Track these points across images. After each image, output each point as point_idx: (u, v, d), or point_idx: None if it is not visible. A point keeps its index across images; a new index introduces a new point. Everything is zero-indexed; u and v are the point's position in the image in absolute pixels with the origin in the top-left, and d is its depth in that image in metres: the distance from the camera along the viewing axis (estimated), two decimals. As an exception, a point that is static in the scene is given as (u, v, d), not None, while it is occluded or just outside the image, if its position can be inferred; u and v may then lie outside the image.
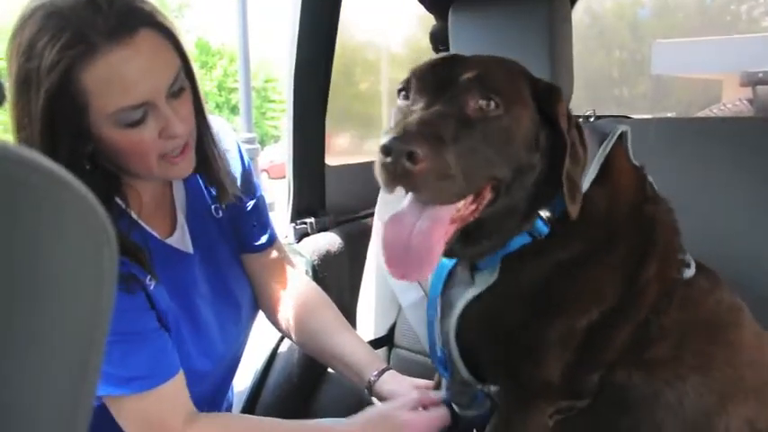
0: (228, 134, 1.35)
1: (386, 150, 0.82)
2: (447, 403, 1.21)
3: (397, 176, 0.83)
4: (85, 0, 0.96)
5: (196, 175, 1.27)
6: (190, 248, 1.27)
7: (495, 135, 0.92)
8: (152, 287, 1.14)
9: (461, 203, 0.92)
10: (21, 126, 0.99)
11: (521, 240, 1.02)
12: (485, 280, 1.05)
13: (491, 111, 0.92)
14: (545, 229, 1.01)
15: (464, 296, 1.07)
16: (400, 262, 0.91)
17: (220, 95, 21.75)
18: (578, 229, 1.00)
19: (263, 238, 1.41)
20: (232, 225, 1.37)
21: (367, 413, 1.22)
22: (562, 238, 1.01)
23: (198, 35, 21.92)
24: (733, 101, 5.18)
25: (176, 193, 1.28)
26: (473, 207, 0.94)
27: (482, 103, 0.92)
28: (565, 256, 1.01)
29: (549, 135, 0.98)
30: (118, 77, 0.97)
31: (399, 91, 1.00)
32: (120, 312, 1.01)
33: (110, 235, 0.47)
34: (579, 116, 1.76)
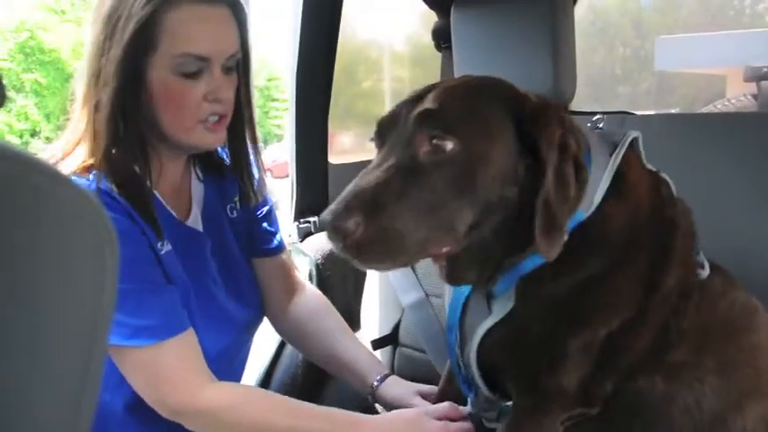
0: None
1: (323, 227, 0.83)
2: (473, 417, 1.20)
3: (338, 250, 0.84)
4: None
5: (217, 173, 1.34)
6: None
7: (454, 178, 0.86)
8: (163, 252, 1.16)
9: None
10: (94, 67, 1.09)
11: (534, 262, 0.97)
12: (502, 307, 1.02)
13: (445, 151, 0.86)
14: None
15: (482, 326, 1.04)
16: None
17: (223, 95, 21.82)
18: (596, 246, 0.97)
19: (273, 243, 1.43)
20: (245, 227, 1.39)
21: (394, 414, 1.22)
22: (579, 257, 0.96)
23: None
24: (737, 96, 5.15)
25: (194, 187, 1.31)
26: (447, 248, 0.92)
27: (435, 143, 0.86)
28: (583, 275, 0.97)
29: (531, 162, 0.91)
30: (194, 25, 1.08)
31: (372, 140, 0.97)
32: (133, 263, 1.06)
33: (111, 233, 0.47)
34: (586, 113, 1.75)
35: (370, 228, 0.81)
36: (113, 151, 1.10)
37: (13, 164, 0.41)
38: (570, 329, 0.99)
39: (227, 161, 1.35)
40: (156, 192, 1.19)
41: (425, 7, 2.12)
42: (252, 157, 1.32)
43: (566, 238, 0.91)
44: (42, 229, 0.43)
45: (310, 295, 1.49)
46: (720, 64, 12.55)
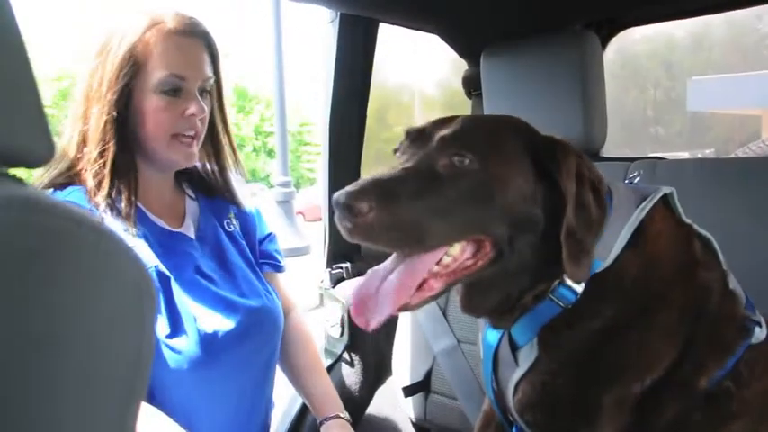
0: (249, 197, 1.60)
1: (334, 205, 0.89)
2: None
3: (346, 229, 0.89)
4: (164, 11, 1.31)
5: (206, 193, 1.49)
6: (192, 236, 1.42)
7: (471, 190, 0.94)
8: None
9: (449, 259, 0.95)
10: (90, 92, 1.26)
11: (550, 311, 1.00)
12: (527, 358, 1.04)
13: (463, 166, 0.94)
14: (571, 297, 0.99)
15: (512, 378, 1.06)
16: (363, 310, 0.94)
17: (257, 139, 22.13)
18: (609, 294, 0.99)
19: (270, 263, 1.56)
20: (245, 240, 1.51)
21: None
22: (592, 305, 0.99)
23: (236, 82, 22.45)
24: (773, 138, 5.09)
25: (188, 205, 1.46)
26: (470, 263, 0.97)
27: (454, 159, 0.94)
28: (598, 324, 0.99)
29: (549, 191, 0.97)
30: (175, 52, 1.27)
31: (395, 151, 1.05)
32: None
33: (150, 286, 0.48)
34: (617, 159, 1.74)
35: (382, 212, 0.87)
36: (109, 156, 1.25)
37: (61, 218, 0.43)
38: (601, 384, 0.98)
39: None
40: (140, 204, 1.32)
41: (456, 54, 2.15)
42: (231, 169, 1.49)
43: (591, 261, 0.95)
44: (86, 281, 0.44)
45: (293, 324, 1.59)
46: (754, 104, 12.41)
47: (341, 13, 1.81)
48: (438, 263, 0.95)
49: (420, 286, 0.95)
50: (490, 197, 0.94)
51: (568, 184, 0.95)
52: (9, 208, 0.40)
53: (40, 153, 0.47)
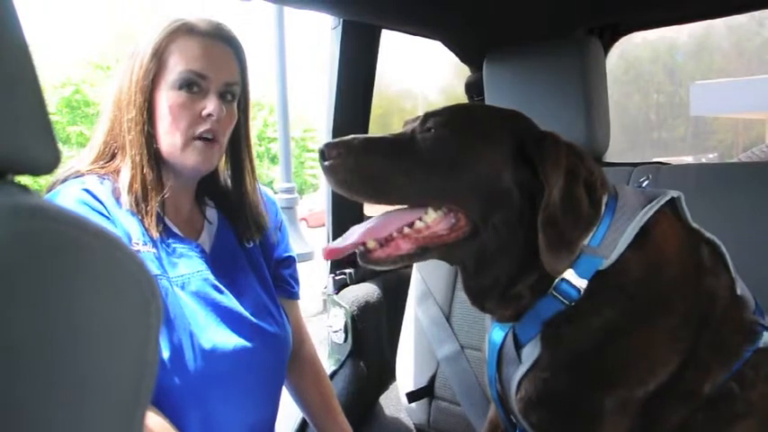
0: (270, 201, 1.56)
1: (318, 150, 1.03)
2: None
3: (323, 171, 1.02)
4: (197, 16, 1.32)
5: (228, 210, 1.45)
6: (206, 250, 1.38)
7: (438, 156, 1.01)
8: (135, 249, 1.21)
9: (421, 224, 1.01)
10: (120, 95, 1.28)
11: (553, 307, 1.00)
12: (530, 355, 1.04)
13: (434, 135, 1.02)
14: (574, 294, 0.98)
15: (515, 376, 1.07)
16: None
17: (260, 145, 22.20)
18: (612, 294, 0.99)
19: (285, 289, 1.51)
20: (264, 259, 1.47)
21: None
22: (594, 303, 0.99)
23: (238, 88, 22.54)
24: (777, 142, 5.09)
25: (209, 220, 1.42)
26: (444, 232, 1.02)
27: (429, 129, 1.03)
28: (599, 323, 0.98)
29: (534, 179, 0.99)
30: (198, 50, 1.27)
31: None
32: None
33: (156, 291, 0.48)
34: (620, 164, 1.74)
35: (347, 158, 1.00)
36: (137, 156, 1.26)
37: (65, 225, 0.43)
38: (603, 387, 0.98)
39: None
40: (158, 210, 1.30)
41: (459, 59, 2.15)
42: (250, 190, 1.45)
43: (573, 257, 0.97)
44: (92, 287, 0.44)
45: (306, 358, 1.57)
46: (757, 108, 12.40)
47: (344, 20, 1.81)
48: (411, 227, 1.02)
49: (388, 243, 1.02)
50: (456, 165, 1.00)
51: (551, 173, 0.97)
52: (16, 216, 0.40)
53: (46, 160, 0.47)
